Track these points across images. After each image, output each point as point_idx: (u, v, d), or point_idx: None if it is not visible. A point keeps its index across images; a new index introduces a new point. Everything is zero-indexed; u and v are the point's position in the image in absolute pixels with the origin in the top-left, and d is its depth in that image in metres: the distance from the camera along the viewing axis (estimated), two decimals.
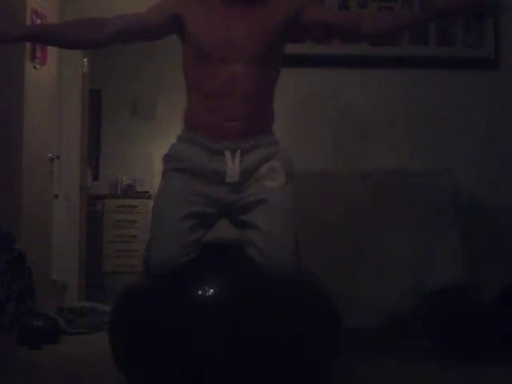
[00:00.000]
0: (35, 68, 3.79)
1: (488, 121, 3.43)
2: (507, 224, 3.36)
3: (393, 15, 2.46)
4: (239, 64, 2.18)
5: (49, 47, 3.97)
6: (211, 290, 2.07)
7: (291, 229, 2.17)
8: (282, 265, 2.10)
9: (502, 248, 3.31)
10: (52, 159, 4.21)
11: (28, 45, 3.64)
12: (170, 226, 2.15)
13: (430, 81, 3.43)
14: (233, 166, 2.18)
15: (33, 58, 3.74)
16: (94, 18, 2.29)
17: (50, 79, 4.15)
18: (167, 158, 2.30)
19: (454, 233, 3.06)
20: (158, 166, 6.51)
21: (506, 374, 2.54)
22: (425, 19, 2.48)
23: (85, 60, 5.05)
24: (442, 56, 3.43)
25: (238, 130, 2.19)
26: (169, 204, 2.20)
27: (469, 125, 3.43)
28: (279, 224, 2.14)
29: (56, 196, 4.54)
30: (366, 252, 3.04)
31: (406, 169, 3.26)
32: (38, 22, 3.79)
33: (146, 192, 6.55)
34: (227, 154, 2.19)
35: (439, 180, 3.18)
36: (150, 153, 6.70)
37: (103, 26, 2.25)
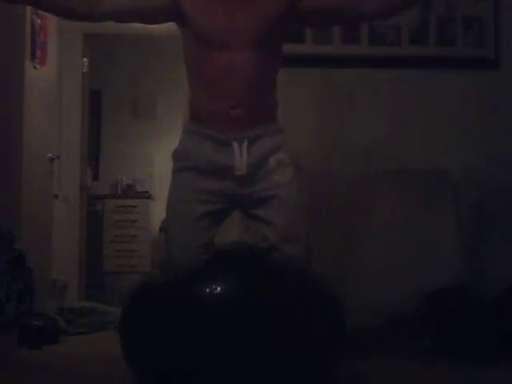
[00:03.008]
0: (35, 68, 3.79)
1: (488, 121, 3.43)
2: (507, 224, 3.35)
3: None
4: (239, 50, 2.18)
5: (49, 47, 3.98)
6: (222, 291, 2.07)
7: (302, 222, 2.22)
8: (295, 258, 2.15)
9: (501, 248, 3.31)
10: (52, 159, 4.21)
11: (28, 45, 3.65)
12: (186, 228, 2.19)
13: (430, 81, 3.43)
14: (241, 159, 2.19)
15: (33, 57, 3.74)
16: None
17: (50, 79, 4.15)
18: (176, 156, 2.31)
19: (454, 233, 3.06)
20: (158, 166, 6.54)
21: (506, 374, 2.54)
22: None
23: (85, 60, 5.05)
24: (442, 56, 3.44)
25: (242, 118, 2.19)
26: (183, 205, 2.23)
27: (469, 125, 3.43)
28: (290, 218, 2.19)
29: (56, 196, 4.55)
30: (365, 251, 3.04)
31: (406, 168, 3.26)
32: (38, 21, 3.80)
33: (146, 192, 6.55)
34: (235, 144, 2.19)
35: (439, 180, 3.18)
36: (150, 153, 6.70)
37: (101, 2, 2.23)
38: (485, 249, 3.28)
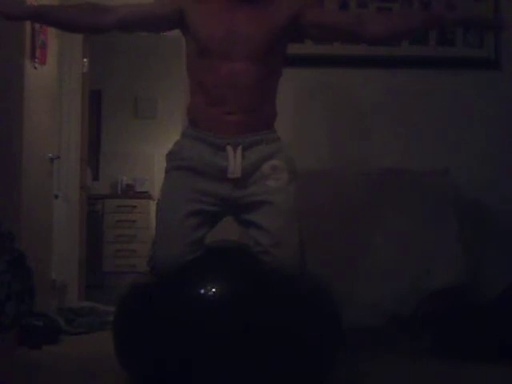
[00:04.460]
0: (35, 68, 3.79)
1: (488, 121, 3.43)
2: (507, 224, 3.35)
3: (394, 20, 2.43)
4: (240, 60, 2.21)
5: (49, 47, 3.98)
6: (214, 289, 2.09)
7: (295, 228, 2.20)
8: (287, 263, 2.14)
9: (501, 248, 3.31)
10: (52, 159, 4.20)
11: (28, 45, 3.64)
12: (173, 225, 2.18)
13: (430, 81, 3.43)
14: (235, 162, 2.19)
15: (33, 57, 3.74)
16: (99, 3, 2.29)
17: (50, 79, 4.15)
18: (170, 156, 2.32)
19: (454, 233, 3.06)
20: (158, 166, 6.53)
21: (506, 374, 2.54)
22: (426, 26, 2.46)
23: (85, 60, 5.04)
24: (442, 56, 3.44)
25: (238, 124, 2.21)
26: (172, 203, 2.23)
27: (469, 125, 3.43)
28: (283, 223, 2.18)
29: (56, 196, 4.54)
30: (365, 252, 3.04)
31: (406, 169, 3.26)
32: None
33: (146, 192, 6.55)
34: (229, 148, 2.20)
35: (439, 180, 3.18)
36: (150, 153, 6.70)
37: (107, 13, 2.26)
38: (485, 249, 3.28)
